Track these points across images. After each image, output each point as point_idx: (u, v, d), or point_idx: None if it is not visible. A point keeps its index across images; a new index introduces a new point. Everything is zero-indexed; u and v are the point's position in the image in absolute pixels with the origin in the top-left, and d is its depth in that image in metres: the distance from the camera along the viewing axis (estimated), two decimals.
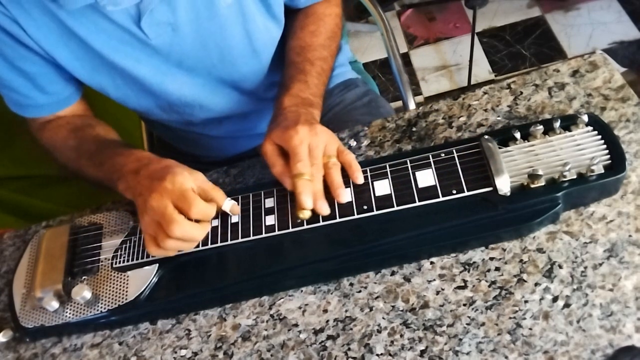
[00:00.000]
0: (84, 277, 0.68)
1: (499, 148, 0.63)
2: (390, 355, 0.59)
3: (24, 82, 0.76)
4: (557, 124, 0.63)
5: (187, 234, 0.61)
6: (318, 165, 0.65)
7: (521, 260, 0.61)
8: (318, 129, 0.66)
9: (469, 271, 0.62)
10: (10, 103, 0.80)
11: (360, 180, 0.66)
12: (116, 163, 0.69)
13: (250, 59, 0.83)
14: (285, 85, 0.76)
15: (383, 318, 0.61)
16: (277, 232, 0.65)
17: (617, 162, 0.60)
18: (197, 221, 0.63)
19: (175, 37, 0.74)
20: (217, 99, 0.86)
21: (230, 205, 0.66)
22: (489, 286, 0.60)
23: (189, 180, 0.62)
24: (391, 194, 0.64)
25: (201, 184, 0.64)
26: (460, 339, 0.58)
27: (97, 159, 0.73)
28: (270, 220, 0.66)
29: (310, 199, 0.63)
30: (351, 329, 0.61)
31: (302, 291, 0.65)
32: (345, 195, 0.65)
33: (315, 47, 0.81)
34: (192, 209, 0.61)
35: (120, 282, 0.67)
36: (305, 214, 0.64)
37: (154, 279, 0.66)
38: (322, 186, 0.65)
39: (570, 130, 0.63)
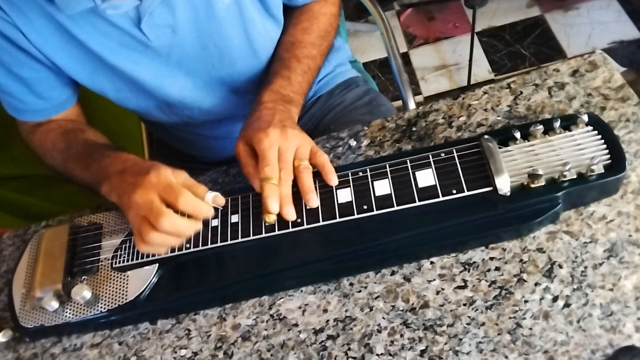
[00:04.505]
0: (83, 277, 0.68)
1: (499, 148, 0.63)
2: (390, 355, 0.59)
3: (21, 88, 0.76)
4: (557, 124, 0.63)
5: (176, 227, 0.61)
6: (287, 170, 0.65)
7: (521, 260, 0.61)
8: (289, 133, 0.66)
9: (469, 271, 0.62)
10: (8, 107, 0.81)
11: (334, 182, 0.66)
12: (103, 165, 0.69)
13: (249, 59, 0.83)
14: (267, 80, 0.76)
15: (383, 318, 0.61)
16: (277, 232, 0.65)
17: (617, 162, 0.60)
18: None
19: (175, 39, 0.74)
20: (216, 100, 0.86)
21: (212, 196, 0.65)
22: (489, 286, 0.60)
23: (173, 175, 0.63)
24: (391, 193, 0.64)
25: (184, 180, 0.64)
26: (461, 339, 0.58)
27: (85, 161, 0.73)
28: None
29: (276, 203, 0.63)
30: (351, 328, 0.61)
31: (302, 291, 0.65)
32: (315, 200, 0.65)
33: (305, 45, 0.81)
34: (179, 199, 0.61)
35: (120, 282, 0.67)
36: (271, 218, 0.64)
37: (154, 278, 0.66)
38: (290, 191, 0.65)
39: (570, 130, 0.63)
